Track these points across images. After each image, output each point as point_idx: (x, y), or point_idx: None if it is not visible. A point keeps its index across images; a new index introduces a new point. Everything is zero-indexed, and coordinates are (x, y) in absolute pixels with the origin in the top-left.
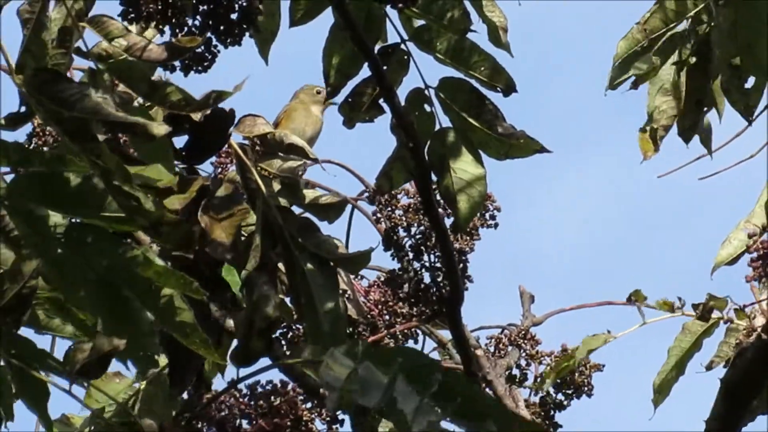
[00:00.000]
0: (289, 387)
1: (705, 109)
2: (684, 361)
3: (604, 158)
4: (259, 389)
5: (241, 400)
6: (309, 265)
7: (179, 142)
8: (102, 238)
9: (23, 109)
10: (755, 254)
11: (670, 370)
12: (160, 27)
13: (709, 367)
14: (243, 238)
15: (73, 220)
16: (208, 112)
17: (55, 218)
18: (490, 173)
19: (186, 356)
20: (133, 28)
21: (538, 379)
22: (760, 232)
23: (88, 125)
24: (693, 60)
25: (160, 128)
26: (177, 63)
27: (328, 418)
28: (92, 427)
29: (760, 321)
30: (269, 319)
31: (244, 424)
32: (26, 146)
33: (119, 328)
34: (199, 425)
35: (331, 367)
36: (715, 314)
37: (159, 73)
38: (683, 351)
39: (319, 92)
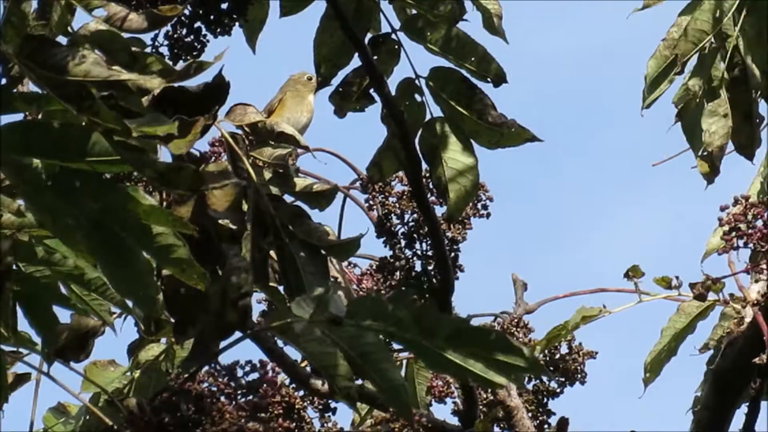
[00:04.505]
0: (269, 366)
1: (757, 120)
2: (677, 342)
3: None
4: (239, 369)
5: (219, 379)
6: (300, 253)
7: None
8: (90, 182)
9: (4, 81)
10: (727, 227)
11: (662, 350)
12: None
13: (702, 351)
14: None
15: (59, 166)
16: (209, 82)
17: (42, 166)
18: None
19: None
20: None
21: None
22: (732, 204)
23: (82, 87)
24: (731, 74)
25: (153, 81)
26: (166, 52)
27: (320, 407)
28: (87, 416)
29: (749, 311)
30: (241, 289)
31: (222, 400)
32: (7, 90)
33: (117, 269)
34: (179, 403)
35: (301, 304)
36: (711, 297)
37: None
38: (676, 331)
39: (310, 79)
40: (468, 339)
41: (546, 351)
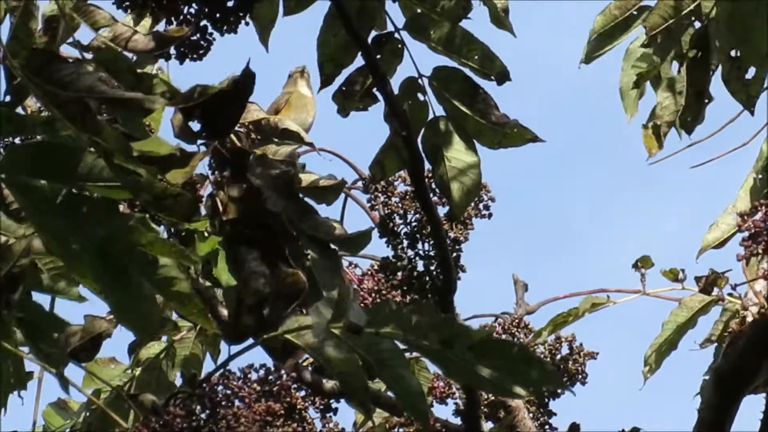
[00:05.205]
0: (283, 371)
1: (706, 100)
2: (677, 336)
3: None
4: (252, 372)
5: (234, 383)
6: (309, 249)
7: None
8: (97, 208)
9: (8, 98)
10: (746, 233)
11: (662, 343)
12: (156, 15)
13: (703, 346)
14: None
15: (67, 190)
16: (233, 79)
17: (50, 189)
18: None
19: None
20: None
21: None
22: (750, 211)
23: (85, 104)
24: (692, 53)
25: (156, 102)
26: (173, 51)
27: (321, 407)
28: (88, 413)
29: (753, 310)
30: (259, 294)
31: (237, 404)
32: (18, 112)
33: (119, 297)
34: (193, 406)
35: (318, 309)
36: (713, 293)
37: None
38: (678, 325)
39: (302, 71)
40: (490, 351)
41: (547, 352)
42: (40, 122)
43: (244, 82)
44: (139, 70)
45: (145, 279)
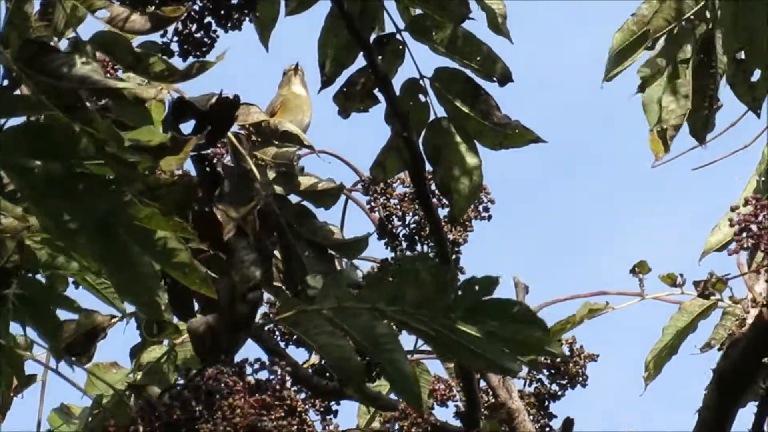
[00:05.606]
0: (277, 366)
1: (715, 106)
2: (678, 341)
3: None
4: (247, 367)
5: (228, 377)
6: (306, 253)
7: (185, 131)
8: (94, 185)
9: (6, 82)
10: (737, 227)
11: (663, 348)
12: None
13: (703, 350)
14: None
15: (63, 169)
16: (214, 101)
17: (46, 168)
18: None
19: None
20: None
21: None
22: (742, 205)
23: (77, 94)
24: (698, 58)
25: (149, 92)
26: (176, 49)
27: (321, 409)
28: (90, 419)
29: (753, 311)
30: (250, 281)
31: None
32: (10, 93)
33: (120, 273)
34: (189, 398)
35: (315, 277)
36: (713, 297)
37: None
38: (678, 330)
39: (295, 69)
40: (488, 312)
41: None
42: (36, 103)
43: (221, 107)
44: (137, 50)
45: (146, 253)
